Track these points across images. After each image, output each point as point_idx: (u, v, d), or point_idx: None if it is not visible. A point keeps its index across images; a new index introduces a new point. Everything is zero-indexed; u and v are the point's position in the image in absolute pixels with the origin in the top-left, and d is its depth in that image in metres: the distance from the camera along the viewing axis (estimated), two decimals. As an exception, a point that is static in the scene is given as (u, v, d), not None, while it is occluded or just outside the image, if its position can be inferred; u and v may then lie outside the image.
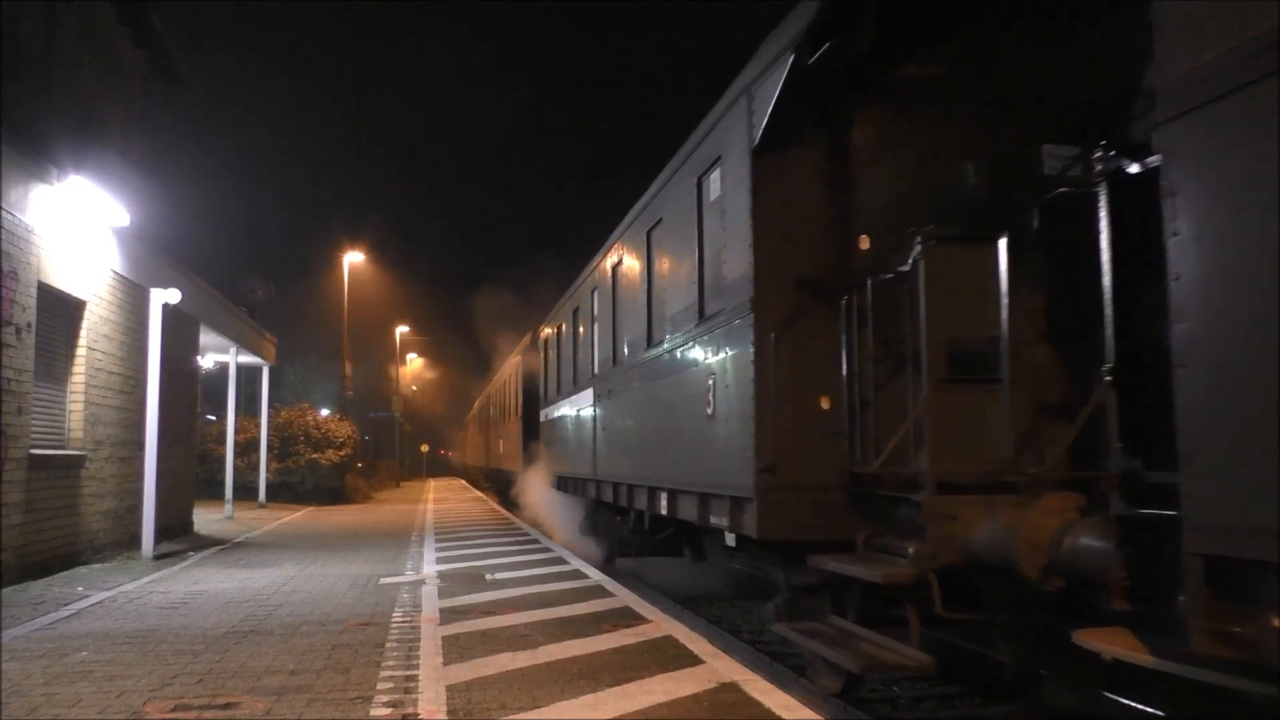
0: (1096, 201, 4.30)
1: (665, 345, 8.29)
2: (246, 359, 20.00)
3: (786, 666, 7.37)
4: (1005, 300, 5.06)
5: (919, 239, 5.14)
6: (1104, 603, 4.07)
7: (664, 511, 8.39)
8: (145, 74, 14.68)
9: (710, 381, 6.83)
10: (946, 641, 6.42)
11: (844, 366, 5.87)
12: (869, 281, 5.60)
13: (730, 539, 6.86)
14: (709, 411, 6.82)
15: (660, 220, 8.66)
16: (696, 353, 7.28)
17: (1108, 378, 4.12)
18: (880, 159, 6.08)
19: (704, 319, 7.14)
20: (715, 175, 6.96)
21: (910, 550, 5.05)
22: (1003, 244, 5.08)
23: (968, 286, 5.20)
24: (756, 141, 6.02)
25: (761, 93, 6.02)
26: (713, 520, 6.84)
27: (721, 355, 6.63)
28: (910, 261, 5.24)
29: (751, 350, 5.94)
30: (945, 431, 5.01)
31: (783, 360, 5.83)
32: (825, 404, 5.87)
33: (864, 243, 5.91)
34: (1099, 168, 4.24)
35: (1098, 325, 4.25)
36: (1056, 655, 5.15)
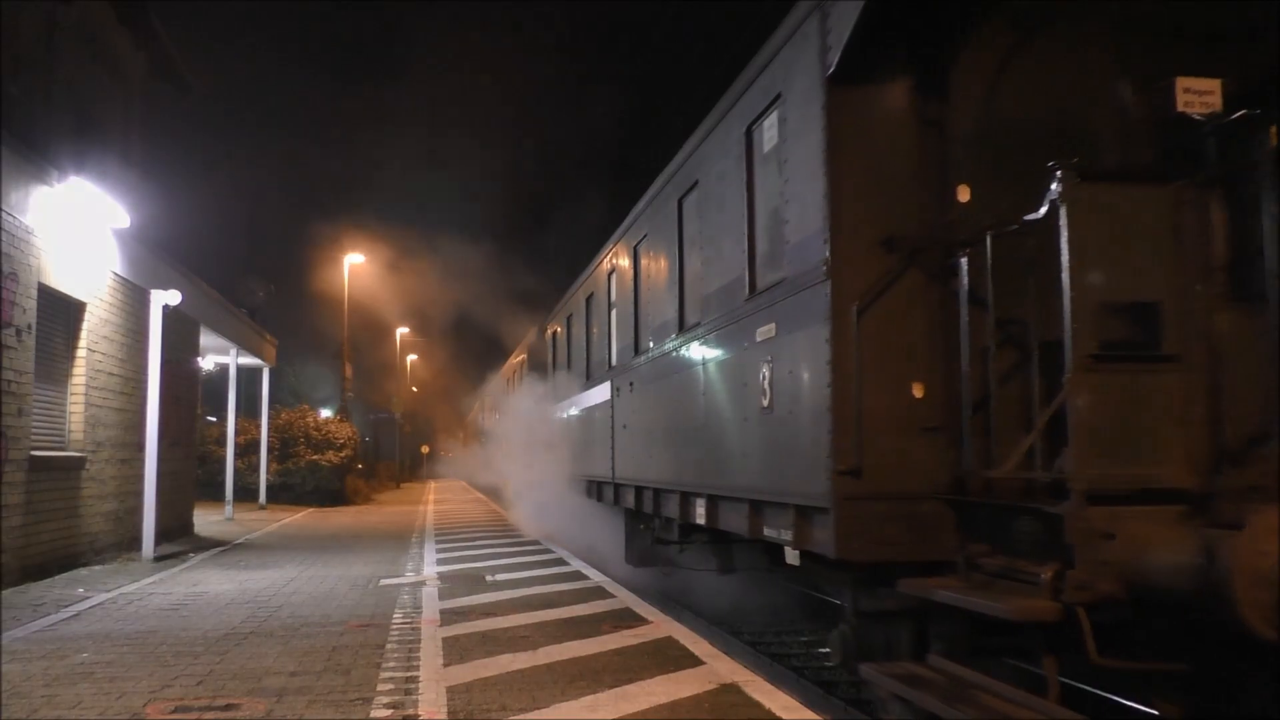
0: None
1: (702, 328, 7.22)
2: (246, 360, 20.01)
3: (787, 667, 7.38)
4: (1274, 246, 3.79)
5: (1058, 175, 4.07)
6: None
7: (700, 520, 7.21)
8: (145, 75, 14.70)
9: (765, 368, 5.81)
10: (1072, 686, 5.17)
11: (952, 346, 4.83)
12: (987, 238, 4.52)
13: (792, 555, 5.85)
14: (764, 403, 5.83)
15: (696, 184, 7.54)
16: (746, 334, 6.23)
17: None
18: (992, 91, 4.97)
19: (756, 293, 6.15)
20: (771, 120, 5.90)
21: (1045, 576, 3.94)
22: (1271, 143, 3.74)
23: (1123, 237, 4.13)
24: (833, 68, 4.90)
25: (840, 7, 4.90)
26: (767, 533, 5.86)
27: (782, 335, 5.61)
28: (1045, 206, 4.14)
29: (826, 327, 4.91)
30: (1096, 424, 3.99)
31: (868, 338, 4.80)
32: (918, 392, 4.88)
33: (963, 194, 4.86)
34: None
35: None
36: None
